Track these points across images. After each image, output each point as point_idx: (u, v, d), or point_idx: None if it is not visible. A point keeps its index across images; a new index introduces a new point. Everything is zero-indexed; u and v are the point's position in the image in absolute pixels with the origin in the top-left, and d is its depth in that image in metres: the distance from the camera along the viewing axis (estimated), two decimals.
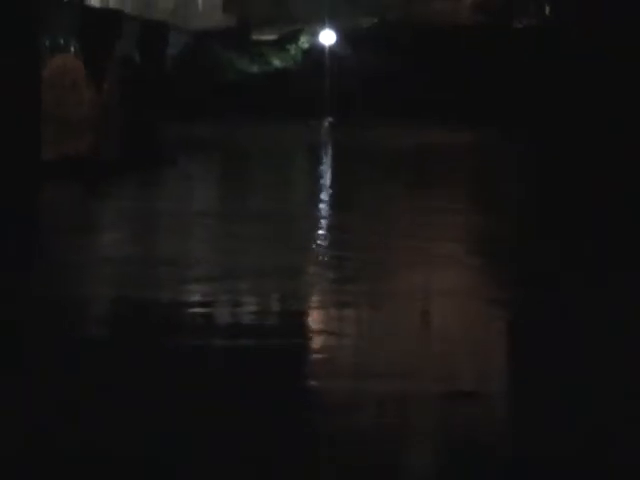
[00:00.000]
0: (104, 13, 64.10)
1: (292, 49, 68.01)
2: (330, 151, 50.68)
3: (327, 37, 67.23)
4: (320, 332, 15.20)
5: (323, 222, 27.38)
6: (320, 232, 25.43)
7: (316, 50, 66.88)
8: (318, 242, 23.64)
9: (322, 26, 67.30)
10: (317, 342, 14.78)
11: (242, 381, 12.33)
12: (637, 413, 10.72)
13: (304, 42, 68.22)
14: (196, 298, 17.31)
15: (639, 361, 12.97)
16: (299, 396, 11.96)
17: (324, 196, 33.46)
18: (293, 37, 68.45)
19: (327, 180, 39.28)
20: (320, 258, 21.22)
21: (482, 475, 9.87)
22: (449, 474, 9.82)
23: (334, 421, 11.30)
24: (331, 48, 66.68)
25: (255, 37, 68.78)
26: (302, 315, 16.47)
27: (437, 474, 9.88)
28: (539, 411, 11.35)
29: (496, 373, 13.86)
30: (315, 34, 67.86)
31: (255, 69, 66.63)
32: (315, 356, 14.20)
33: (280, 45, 68.11)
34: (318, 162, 45.64)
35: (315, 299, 17.51)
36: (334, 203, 31.49)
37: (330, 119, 59.77)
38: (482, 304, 17.21)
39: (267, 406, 11.32)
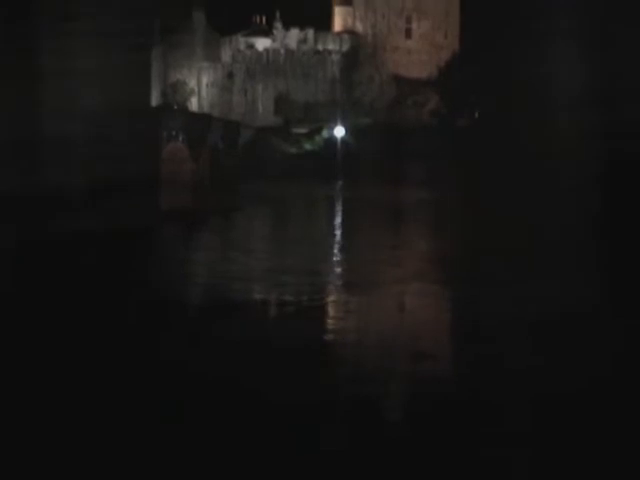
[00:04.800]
0: (200, 115, 69.92)
1: (317, 138, 71.64)
2: (341, 199, 53.69)
3: (339, 131, 70.78)
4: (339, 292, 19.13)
5: (339, 241, 30.75)
6: (337, 246, 29.09)
7: (332, 139, 70.64)
8: (337, 252, 27.22)
9: (336, 124, 71.21)
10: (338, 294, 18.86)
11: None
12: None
13: (325, 134, 71.67)
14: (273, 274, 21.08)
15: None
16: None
17: (338, 225, 38.14)
18: (318, 130, 72.06)
19: (340, 216, 43.65)
20: (339, 262, 24.24)
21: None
22: None
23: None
24: (342, 138, 70.33)
25: (294, 130, 72.91)
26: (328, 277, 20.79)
27: None
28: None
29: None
30: (331, 129, 71.34)
31: (294, 150, 70.66)
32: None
33: (309, 135, 71.99)
34: (334, 205, 49.82)
35: (333, 279, 21.12)
36: (344, 229, 35.68)
37: (341, 182, 62.91)
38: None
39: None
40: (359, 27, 75.09)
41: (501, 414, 9.98)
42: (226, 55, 75.60)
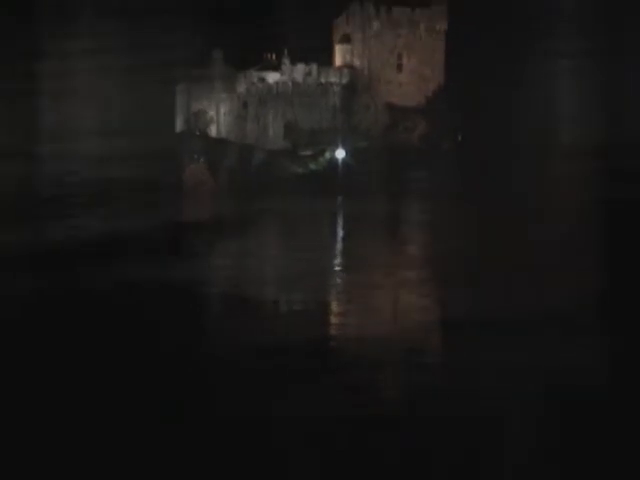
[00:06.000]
0: (217, 140, 73.73)
1: (320, 159, 73.65)
2: (341, 213, 57.30)
3: (340, 153, 73.42)
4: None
5: (338, 246, 34.50)
6: (337, 253, 32.72)
7: (334, 160, 73.29)
8: (339, 259, 30.97)
9: (337, 147, 73.81)
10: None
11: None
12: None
13: (327, 155, 73.89)
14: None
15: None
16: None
17: (339, 232, 41.73)
18: (321, 153, 74.10)
19: (340, 225, 47.30)
20: (340, 269, 27.49)
21: None
22: None
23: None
24: (342, 159, 73.14)
25: (300, 153, 74.60)
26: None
27: None
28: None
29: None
30: (333, 151, 73.69)
31: (300, 170, 72.91)
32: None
33: (314, 157, 73.92)
34: (335, 217, 53.23)
35: (337, 269, 25.81)
36: (343, 235, 39.24)
37: (341, 198, 66.02)
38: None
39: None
40: (357, 62, 78.10)
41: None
42: (241, 87, 78.07)
